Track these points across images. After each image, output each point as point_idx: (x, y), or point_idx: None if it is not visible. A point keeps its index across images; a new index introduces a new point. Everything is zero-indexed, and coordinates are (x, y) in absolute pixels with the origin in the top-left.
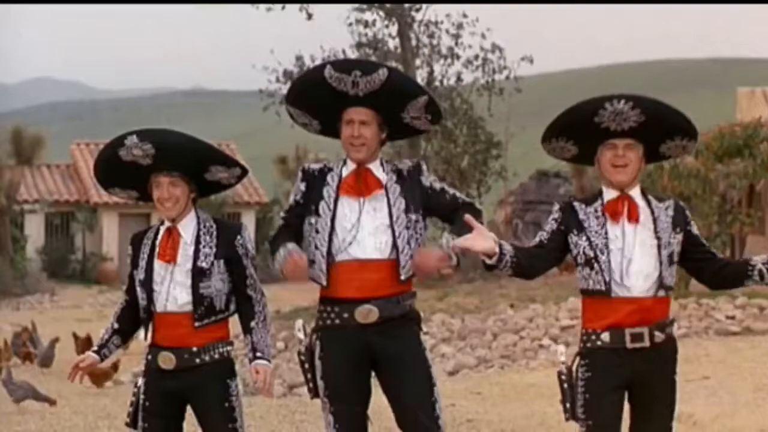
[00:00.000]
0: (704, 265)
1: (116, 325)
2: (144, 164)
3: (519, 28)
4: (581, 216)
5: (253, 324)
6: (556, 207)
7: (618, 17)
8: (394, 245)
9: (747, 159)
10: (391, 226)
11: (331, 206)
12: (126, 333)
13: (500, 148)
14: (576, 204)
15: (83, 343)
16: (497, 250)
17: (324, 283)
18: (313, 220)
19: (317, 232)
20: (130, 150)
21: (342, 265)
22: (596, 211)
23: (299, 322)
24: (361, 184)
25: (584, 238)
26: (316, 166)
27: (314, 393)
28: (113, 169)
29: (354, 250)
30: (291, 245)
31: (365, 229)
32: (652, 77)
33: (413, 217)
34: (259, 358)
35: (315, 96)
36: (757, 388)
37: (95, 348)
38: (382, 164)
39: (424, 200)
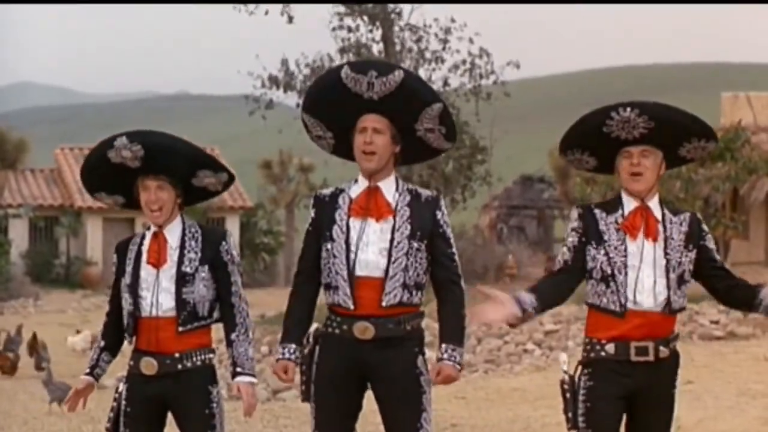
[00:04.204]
0: (715, 282)
1: (103, 343)
2: (132, 167)
3: (504, 32)
4: (601, 226)
5: (233, 336)
6: (575, 214)
7: (603, 22)
8: (387, 269)
9: (729, 162)
10: (390, 250)
11: (344, 229)
12: (114, 348)
13: (485, 152)
14: (597, 211)
15: (29, 343)
16: (519, 312)
17: (352, 307)
18: (329, 246)
19: (334, 256)
20: (119, 151)
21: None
22: (616, 222)
23: (313, 326)
24: (371, 206)
25: (603, 252)
26: (327, 192)
27: (305, 397)
28: (101, 171)
29: (357, 268)
30: (289, 352)
31: (369, 249)
32: (637, 81)
33: (416, 245)
34: (240, 373)
35: (330, 101)
36: (741, 392)
37: (88, 370)
38: (396, 182)
39: (431, 233)
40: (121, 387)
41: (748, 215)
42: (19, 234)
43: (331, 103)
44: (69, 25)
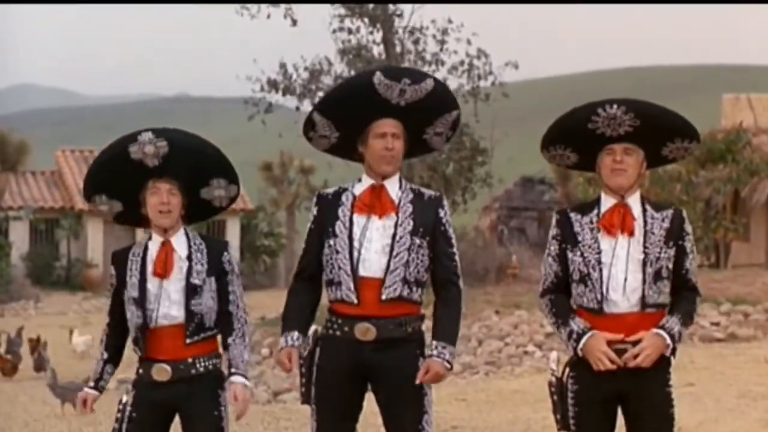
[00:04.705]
0: (675, 286)
1: (105, 355)
2: (150, 165)
3: (503, 34)
4: (576, 228)
5: (230, 340)
6: (554, 221)
7: (603, 23)
8: (387, 263)
9: (730, 164)
10: (391, 244)
11: (347, 225)
12: (116, 359)
13: (485, 154)
14: (572, 215)
15: (32, 345)
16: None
17: (356, 301)
18: (332, 242)
19: (337, 252)
20: (142, 146)
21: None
22: (591, 222)
23: (312, 328)
24: (375, 203)
25: (578, 253)
26: (330, 190)
27: (305, 398)
28: (113, 168)
29: (361, 268)
30: (292, 339)
31: (372, 247)
32: (638, 83)
33: (417, 241)
34: (234, 374)
35: (351, 105)
36: (742, 394)
37: (92, 384)
38: (400, 180)
39: (433, 231)
40: (125, 398)
41: (748, 217)
42: (19, 236)
43: (350, 107)
44: (70, 27)
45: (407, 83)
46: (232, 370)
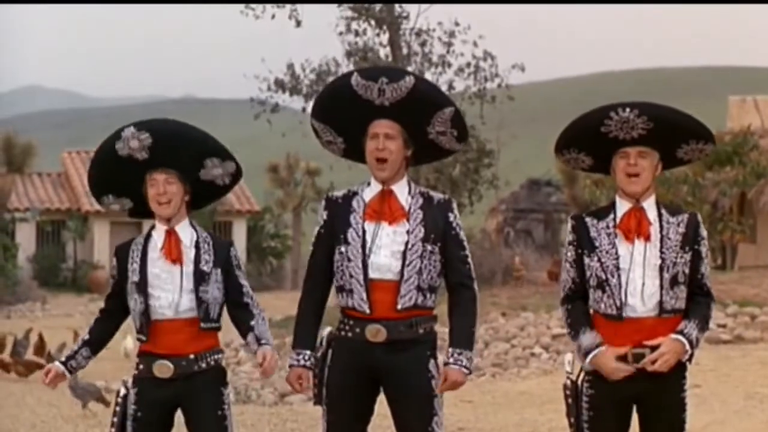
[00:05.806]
0: (690, 292)
1: (87, 337)
2: (140, 159)
3: (510, 36)
4: (593, 233)
5: (252, 323)
6: (569, 227)
7: (608, 25)
8: (401, 272)
9: (737, 167)
10: (404, 252)
11: (360, 233)
12: (97, 345)
13: (492, 156)
14: (588, 219)
15: (36, 344)
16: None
17: (368, 311)
18: (343, 249)
19: (349, 260)
20: (127, 141)
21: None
22: (608, 227)
23: (326, 329)
24: (385, 209)
25: (596, 259)
26: (339, 194)
27: (317, 400)
28: (109, 168)
29: (371, 271)
30: (304, 359)
31: (382, 252)
32: (643, 85)
33: (429, 247)
34: (264, 344)
35: (340, 108)
36: (748, 396)
37: (63, 359)
38: (409, 185)
39: (444, 236)
40: (123, 391)
41: (755, 219)
42: (26, 238)
43: (341, 110)
44: (76, 28)
45: (384, 82)
46: (262, 341)
